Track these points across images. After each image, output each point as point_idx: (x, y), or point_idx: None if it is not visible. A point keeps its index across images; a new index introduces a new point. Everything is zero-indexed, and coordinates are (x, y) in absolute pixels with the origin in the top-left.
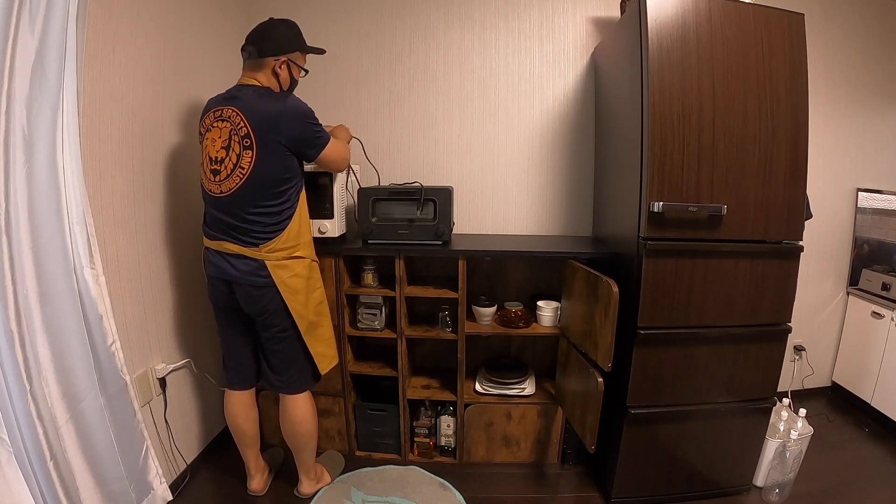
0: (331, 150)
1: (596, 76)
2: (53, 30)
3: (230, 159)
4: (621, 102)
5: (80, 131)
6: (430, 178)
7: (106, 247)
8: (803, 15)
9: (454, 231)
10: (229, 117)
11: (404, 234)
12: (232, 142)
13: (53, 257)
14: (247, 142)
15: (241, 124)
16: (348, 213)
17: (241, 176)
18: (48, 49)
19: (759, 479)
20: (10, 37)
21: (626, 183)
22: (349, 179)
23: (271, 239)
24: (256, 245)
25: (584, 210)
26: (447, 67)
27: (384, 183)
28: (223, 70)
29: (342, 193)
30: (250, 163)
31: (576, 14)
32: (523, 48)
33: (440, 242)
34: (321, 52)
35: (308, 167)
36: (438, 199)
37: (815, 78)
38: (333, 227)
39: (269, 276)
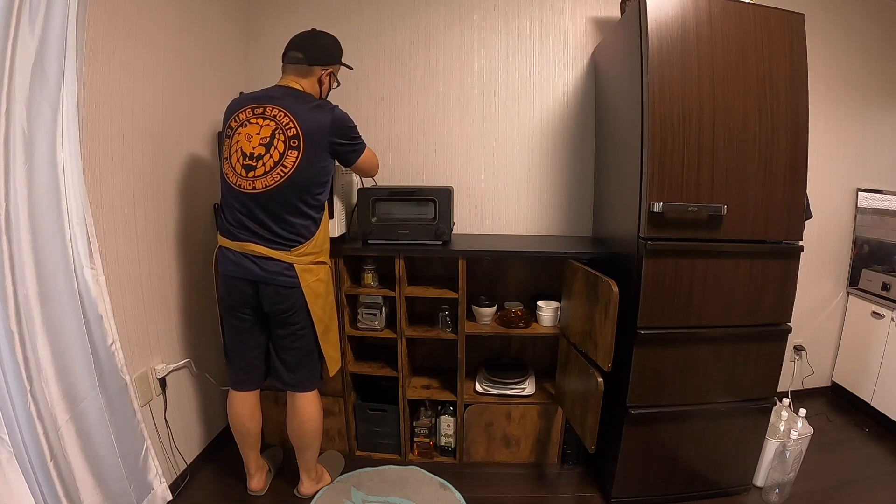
0: (365, 158)
1: (596, 76)
2: (53, 30)
3: (271, 156)
4: (621, 102)
5: (80, 131)
6: (430, 178)
7: (106, 247)
8: (803, 15)
9: (454, 231)
10: (274, 116)
11: (404, 234)
12: (275, 140)
13: (53, 257)
14: (294, 142)
15: (291, 125)
16: (348, 212)
17: (283, 174)
18: (48, 49)
19: (759, 479)
20: (10, 37)
21: (626, 183)
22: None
23: (302, 243)
24: (288, 248)
25: (584, 210)
26: (447, 67)
27: (384, 183)
28: (223, 69)
29: (342, 193)
30: (294, 162)
31: (576, 14)
32: (523, 48)
33: (440, 242)
34: (350, 67)
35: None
36: (438, 199)
37: (815, 78)
38: (333, 227)
39: (296, 277)
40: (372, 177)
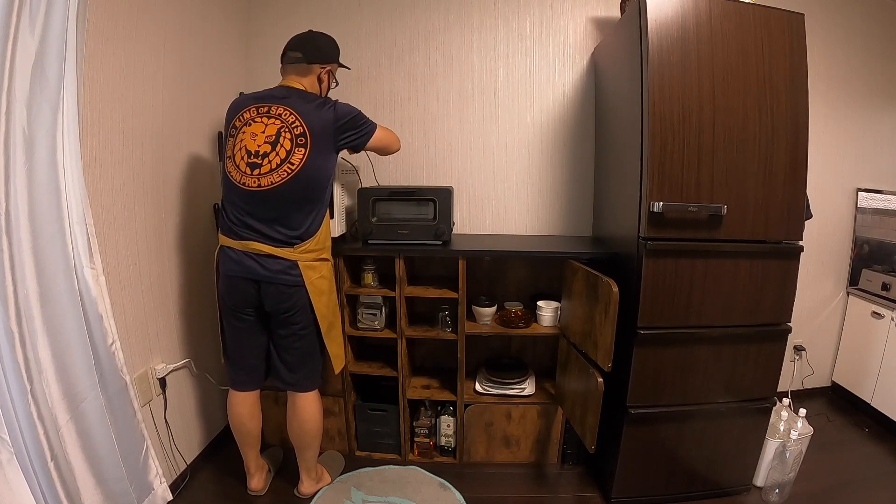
0: (378, 137)
1: (596, 76)
2: (53, 30)
3: (277, 154)
4: (621, 102)
5: (80, 131)
6: (430, 178)
7: (106, 247)
8: (803, 15)
9: (454, 231)
10: (279, 115)
11: (404, 234)
12: (281, 138)
13: (54, 257)
14: (301, 140)
15: (297, 123)
16: (349, 212)
17: (290, 171)
18: (48, 49)
19: (759, 479)
20: (10, 37)
21: (626, 183)
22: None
23: (306, 240)
24: (291, 245)
25: (584, 210)
26: (447, 67)
27: (384, 183)
28: (223, 69)
29: (342, 193)
30: (301, 160)
31: (576, 14)
32: (523, 48)
33: (440, 242)
34: (347, 68)
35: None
36: (438, 199)
37: (815, 78)
38: (334, 227)
39: (300, 276)
40: (394, 153)
